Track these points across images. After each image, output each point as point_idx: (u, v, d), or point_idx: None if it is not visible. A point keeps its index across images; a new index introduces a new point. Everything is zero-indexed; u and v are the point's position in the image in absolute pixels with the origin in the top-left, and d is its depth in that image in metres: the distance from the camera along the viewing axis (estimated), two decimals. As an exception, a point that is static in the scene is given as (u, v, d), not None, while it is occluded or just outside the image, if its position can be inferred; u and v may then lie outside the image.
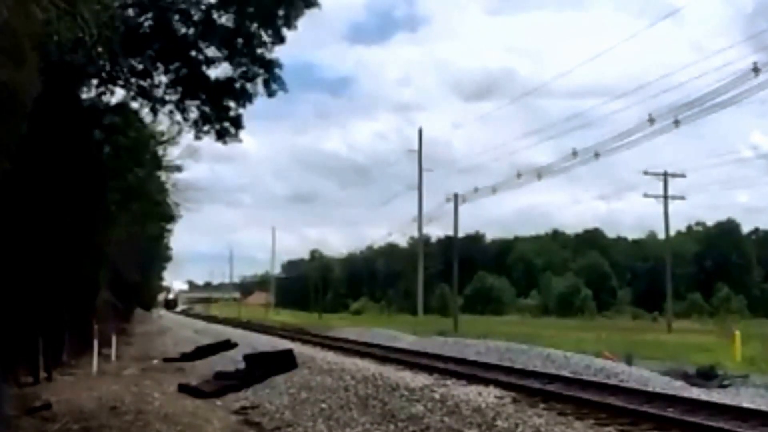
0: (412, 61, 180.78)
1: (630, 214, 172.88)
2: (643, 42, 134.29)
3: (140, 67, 16.70)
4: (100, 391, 13.92)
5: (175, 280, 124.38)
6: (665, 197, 51.12)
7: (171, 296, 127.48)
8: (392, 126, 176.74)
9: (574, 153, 36.08)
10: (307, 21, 16.19)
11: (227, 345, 23.98)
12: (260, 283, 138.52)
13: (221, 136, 17.26)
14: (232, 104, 16.90)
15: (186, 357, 22.68)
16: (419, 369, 14.86)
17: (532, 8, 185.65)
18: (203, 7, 16.17)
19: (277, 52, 16.59)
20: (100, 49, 12.96)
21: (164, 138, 25.19)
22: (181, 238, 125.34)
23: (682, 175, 51.36)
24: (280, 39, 16.10)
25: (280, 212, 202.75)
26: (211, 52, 16.48)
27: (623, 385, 12.70)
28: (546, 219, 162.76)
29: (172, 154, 27.73)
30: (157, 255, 51.11)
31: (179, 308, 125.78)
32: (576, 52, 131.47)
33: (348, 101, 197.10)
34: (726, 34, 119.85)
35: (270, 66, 16.45)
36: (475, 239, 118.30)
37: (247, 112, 17.32)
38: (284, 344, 22.21)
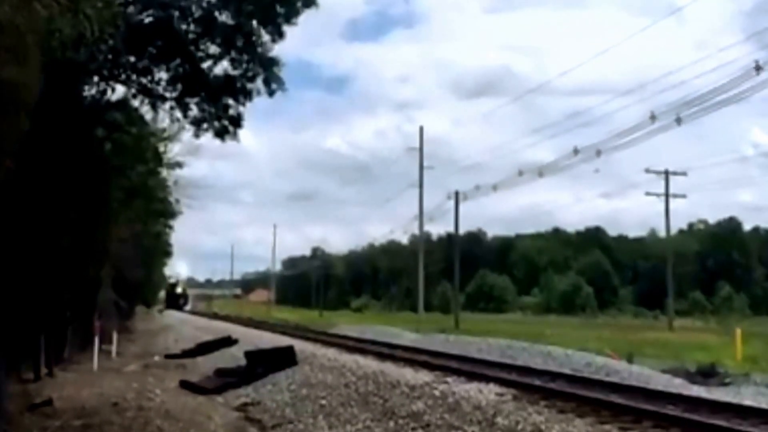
0: (411, 59, 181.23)
1: (632, 212, 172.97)
2: (645, 40, 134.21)
3: (141, 64, 16.72)
4: (102, 387, 13.97)
5: (180, 273, 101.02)
6: (666, 195, 51.11)
7: (179, 290, 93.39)
8: (392, 124, 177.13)
9: (576, 151, 36.03)
10: (305, 19, 16.19)
11: (228, 342, 24.02)
12: (261, 280, 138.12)
13: (220, 134, 17.28)
14: (231, 102, 16.92)
15: (187, 353, 22.73)
16: (420, 366, 14.86)
17: (531, 6, 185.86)
18: (204, 4, 16.19)
19: (277, 50, 16.61)
20: (102, 46, 12.99)
21: (165, 135, 25.18)
22: (181, 234, 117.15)
23: (684, 174, 51.44)
24: (279, 35, 16.11)
25: (281, 210, 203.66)
26: (212, 49, 16.51)
27: (624, 383, 12.72)
28: (547, 217, 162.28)
29: (173, 150, 27.75)
30: (159, 252, 51.06)
31: (189, 306, 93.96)
32: (576, 50, 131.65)
33: (347, 99, 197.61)
34: (728, 31, 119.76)
35: (270, 64, 16.46)
36: (477, 237, 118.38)
37: (248, 110, 17.33)
38: (285, 341, 22.24)
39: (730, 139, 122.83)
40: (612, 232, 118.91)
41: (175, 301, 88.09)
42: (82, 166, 16.58)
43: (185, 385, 14.89)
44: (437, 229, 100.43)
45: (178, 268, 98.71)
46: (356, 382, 13.02)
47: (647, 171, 51.31)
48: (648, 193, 52.01)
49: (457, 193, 50.37)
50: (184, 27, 16.30)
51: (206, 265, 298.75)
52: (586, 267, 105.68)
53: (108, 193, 20.30)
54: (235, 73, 16.71)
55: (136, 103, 18.11)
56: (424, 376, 13.05)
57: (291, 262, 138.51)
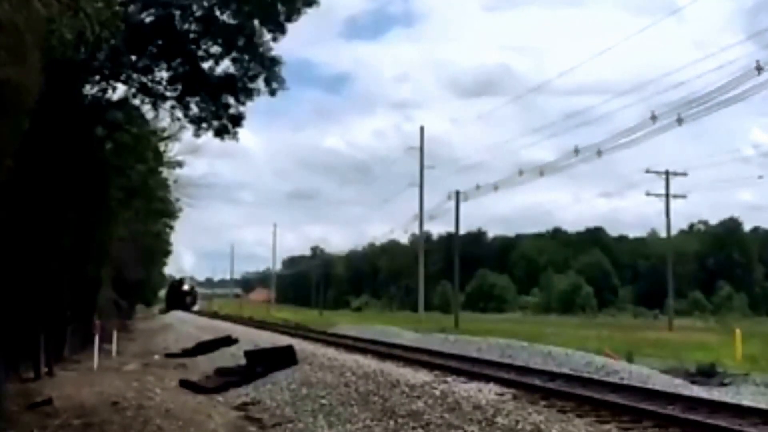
0: (410, 58, 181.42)
1: (632, 212, 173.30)
2: (645, 40, 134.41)
3: (142, 63, 16.74)
4: (102, 386, 13.96)
5: (185, 268, 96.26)
6: (667, 195, 51.14)
7: (185, 287, 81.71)
8: (391, 123, 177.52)
9: (576, 151, 36.10)
10: (304, 18, 16.22)
11: (228, 341, 24.01)
12: (262, 280, 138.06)
13: (219, 133, 17.31)
14: (231, 101, 16.94)
15: (187, 353, 22.74)
16: (420, 366, 14.85)
17: (530, 5, 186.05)
18: (205, 3, 16.20)
19: (276, 49, 16.64)
20: (102, 46, 13.00)
21: (165, 134, 25.17)
22: (181, 234, 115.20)
23: (684, 174, 51.49)
24: (281, 32, 16.13)
25: (281, 210, 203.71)
26: (213, 48, 16.54)
27: (624, 383, 12.72)
28: (548, 217, 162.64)
29: (173, 149, 27.73)
30: (159, 252, 51.10)
31: (197, 306, 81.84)
32: (575, 49, 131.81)
33: (346, 98, 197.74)
34: (728, 31, 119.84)
35: (271, 64, 16.48)
36: (477, 237, 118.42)
37: (248, 110, 17.37)
38: (285, 340, 22.23)
39: (730, 139, 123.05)
40: (612, 232, 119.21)
41: (181, 300, 75.21)
42: (82, 165, 16.60)
43: (185, 384, 14.88)
44: (437, 228, 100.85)
45: (183, 263, 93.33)
46: (356, 381, 13.01)
47: (647, 171, 51.49)
48: (648, 193, 52.20)
49: (457, 193, 50.44)
50: (185, 26, 16.33)
51: (206, 264, 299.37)
52: (586, 267, 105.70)
53: (108, 193, 20.30)
54: (236, 72, 16.74)
55: (136, 102, 18.18)
56: (423, 376, 13.05)
57: (291, 262, 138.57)
